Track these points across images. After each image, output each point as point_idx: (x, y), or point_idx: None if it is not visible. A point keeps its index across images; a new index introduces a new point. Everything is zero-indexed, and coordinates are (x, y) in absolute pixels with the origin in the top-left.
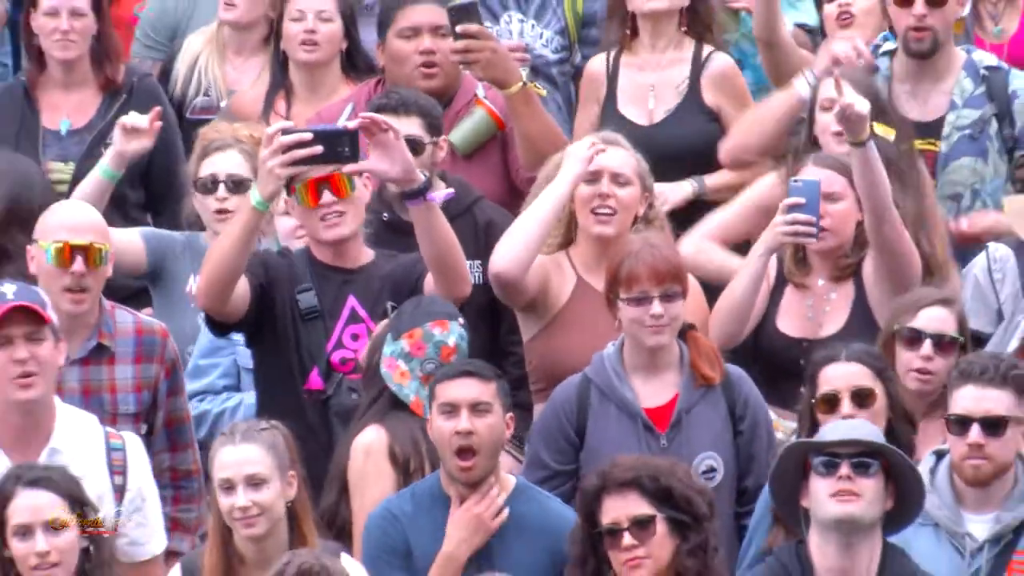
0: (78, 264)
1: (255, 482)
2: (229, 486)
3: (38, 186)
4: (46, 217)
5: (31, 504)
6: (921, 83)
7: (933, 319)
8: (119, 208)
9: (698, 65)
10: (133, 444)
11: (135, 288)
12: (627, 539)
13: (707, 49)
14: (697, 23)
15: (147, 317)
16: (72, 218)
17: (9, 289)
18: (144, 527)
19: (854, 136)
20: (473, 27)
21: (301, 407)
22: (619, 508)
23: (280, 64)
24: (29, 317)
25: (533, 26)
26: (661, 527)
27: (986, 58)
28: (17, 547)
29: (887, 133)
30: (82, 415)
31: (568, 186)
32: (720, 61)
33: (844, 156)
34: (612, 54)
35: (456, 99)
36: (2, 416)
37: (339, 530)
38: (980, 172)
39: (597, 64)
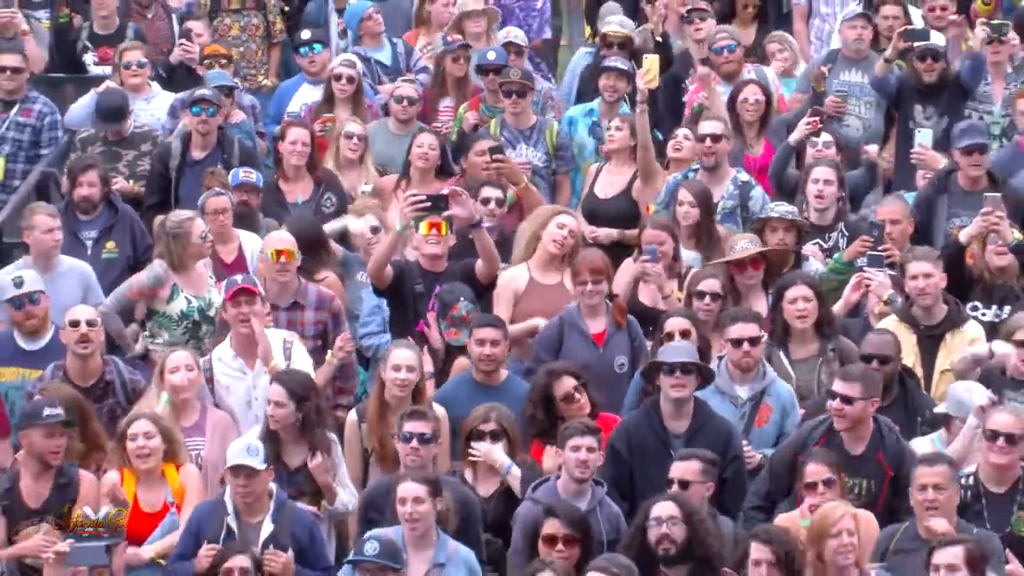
0: (281, 259)
1: (411, 369)
2: (398, 368)
3: (305, 226)
4: (267, 239)
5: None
6: (710, 184)
7: (705, 285)
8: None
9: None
10: (298, 345)
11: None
12: (579, 398)
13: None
14: None
15: (323, 287)
16: (277, 237)
17: (239, 277)
18: None
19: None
20: (500, 155)
21: (414, 339)
22: (569, 384)
23: (405, 166)
24: (247, 291)
25: (532, 151)
26: (585, 390)
27: (742, 175)
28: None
29: None
30: (276, 332)
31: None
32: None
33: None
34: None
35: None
36: (237, 340)
37: None
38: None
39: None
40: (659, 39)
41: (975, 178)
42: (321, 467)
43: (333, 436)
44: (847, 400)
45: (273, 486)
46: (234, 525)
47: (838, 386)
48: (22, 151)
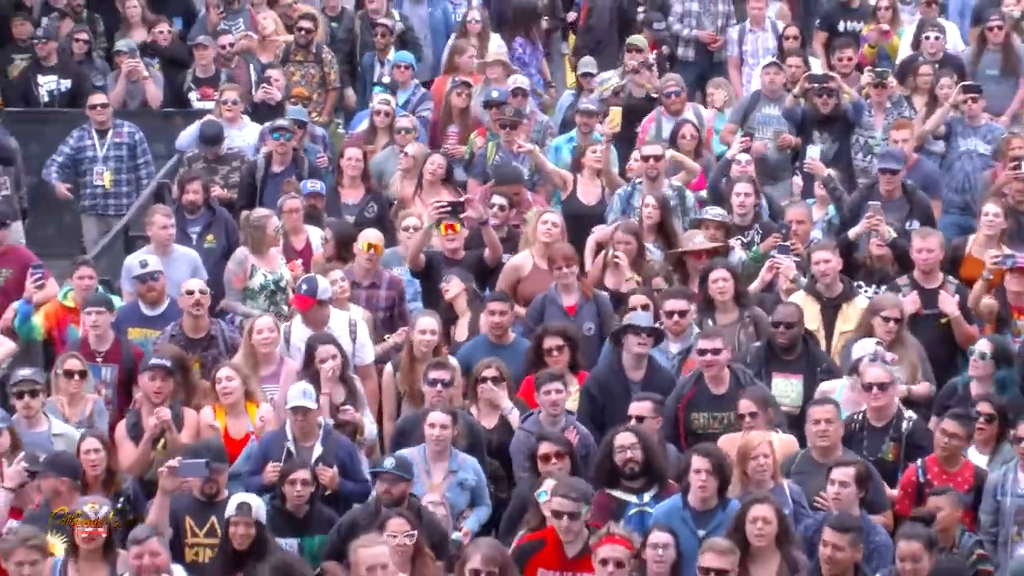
0: (371, 250)
1: (433, 332)
2: (423, 332)
3: (345, 228)
4: (362, 235)
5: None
6: (653, 190)
7: (656, 282)
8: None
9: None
10: (360, 319)
11: None
12: (555, 354)
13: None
14: None
15: (394, 274)
16: (368, 233)
17: (304, 286)
18: (363, 349)
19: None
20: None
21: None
22: (554, 339)
23: (420, 178)
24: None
25: (521, 168)
26: (568, 348)
27: (675, 181)
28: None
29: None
30: (338, 312)
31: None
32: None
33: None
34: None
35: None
36: (307, 317)
37: None
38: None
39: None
40: (653, 95)
41: (889, 191)
42: (350, 414)
43: (357, 378)
44: (717, 351)
45: (322, 418)
46: (292, 448)
47: (706, 344)
48: (123, 164)
